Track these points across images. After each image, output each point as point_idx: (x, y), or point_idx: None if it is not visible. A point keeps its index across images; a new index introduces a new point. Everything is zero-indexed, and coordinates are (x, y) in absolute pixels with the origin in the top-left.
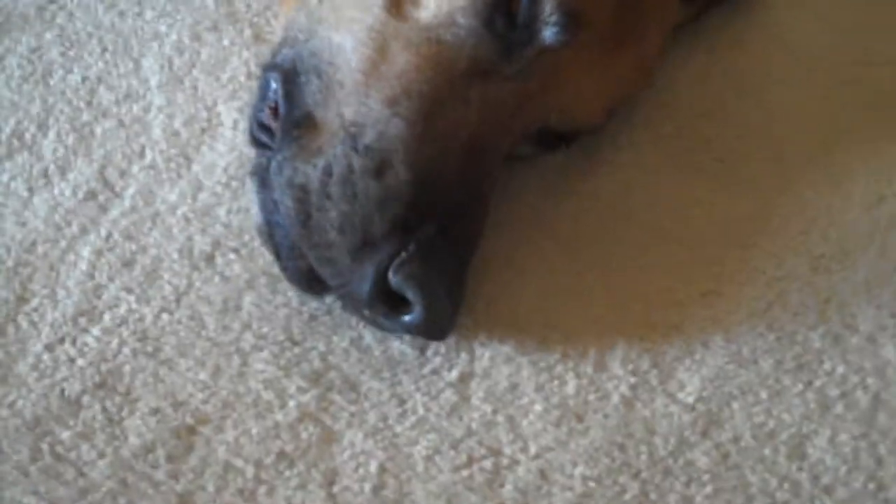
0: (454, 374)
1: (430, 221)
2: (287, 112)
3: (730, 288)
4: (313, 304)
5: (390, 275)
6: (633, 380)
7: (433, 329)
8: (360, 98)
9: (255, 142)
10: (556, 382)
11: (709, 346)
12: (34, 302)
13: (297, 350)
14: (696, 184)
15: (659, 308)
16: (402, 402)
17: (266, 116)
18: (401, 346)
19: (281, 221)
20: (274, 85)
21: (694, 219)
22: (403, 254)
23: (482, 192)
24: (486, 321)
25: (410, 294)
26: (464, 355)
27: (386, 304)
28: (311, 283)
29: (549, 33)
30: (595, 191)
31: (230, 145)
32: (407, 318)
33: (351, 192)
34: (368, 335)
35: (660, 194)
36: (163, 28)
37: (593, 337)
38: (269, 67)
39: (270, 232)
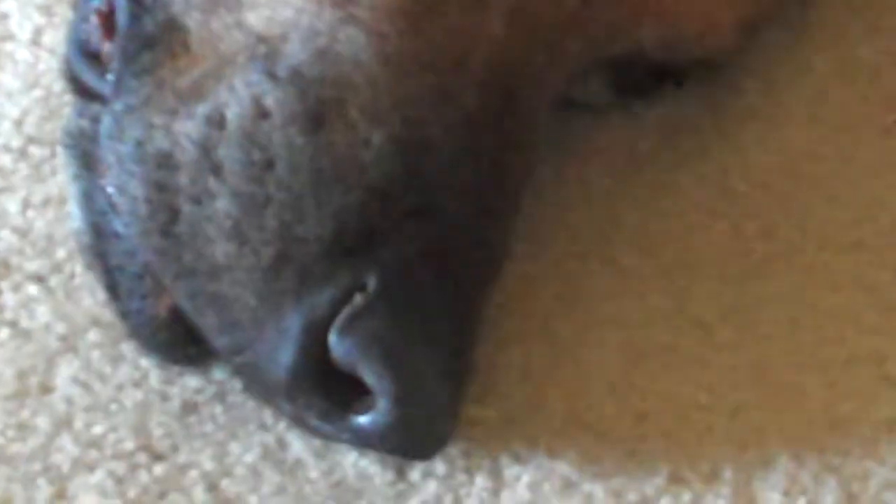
0: None
1: (412, 230)
2: (133, 19)
3: None
4: (190, 382)
5: (332, 336)
6: None
7: (411, 440)
8: None
9: (75, 84)
10: None
11: None
12: None
13: (160, 469)
14: None
15: (831, 391)
16: None
17: (93, 30)
18: (360, 461)
19: (121, 228)
20: None
21: None
22: (358, 295)
23: (510, 174)
24: (525, 415)
25: (370, 374)
26: (480, 480)
27: (323, 392)
28: (179, 343)
29: None
30: (724, 170)
31: (27, 78)
32: (363, 418)
33: (260, 159)
34: (297, 441)
35: (856, 173)
36: None
37: (721, 443)
38: None
39: (101, 248)
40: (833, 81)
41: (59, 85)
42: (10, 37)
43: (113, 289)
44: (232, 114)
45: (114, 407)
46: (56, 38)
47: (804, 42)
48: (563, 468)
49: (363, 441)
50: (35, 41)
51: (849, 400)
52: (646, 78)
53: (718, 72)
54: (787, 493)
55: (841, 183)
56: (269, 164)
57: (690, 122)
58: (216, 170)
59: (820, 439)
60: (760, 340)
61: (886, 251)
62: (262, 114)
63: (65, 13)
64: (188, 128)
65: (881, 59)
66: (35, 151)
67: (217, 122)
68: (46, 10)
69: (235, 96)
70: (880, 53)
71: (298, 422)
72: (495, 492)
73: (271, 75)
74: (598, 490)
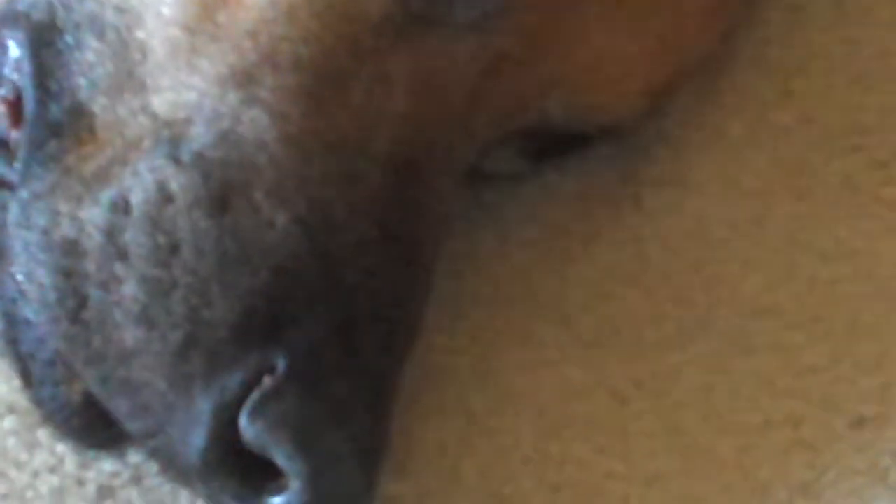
0: None
1: (321, 311)
2: (39, 106)
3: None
4: (105, 466)
5: (243, 419)
6: None
7: None
8: (181, 73)
9: None
10: None
11: None
12: None
13: None
14: (841, 213)
15: (747, 456)
16: None
17: (0, 118)
18: None
19: (31, 315)
20: (16, 53)
21: (840, 291)
22: (267, 378)
23: (420, 250)
24: (440, 491)
25: (281, 456)
26: None
27: (236, 474)
28: (93, 428)
29: None
30: (639, 239)
31: None
32: (277, 499)
33: (166, 243)
34: None
35: (769, 237)
36: None
37: None
38: (4, 20)
39: (13, 336)
40: (745, 146)
41: None
42: None
43: (26, 376)
44: (136, 199)
45: (30, 494)
46: None
47: (716, 107)
48: None
49: None
50: None
51: (765, 464)
52: (556, 146)
53: (630, 138)
54: None
55: (754, 247)
56: (175, 249)
57: (604, 190)
58: (122, 255)
59: None
60: (676, 408)
61: (800, 314)
62: (166, 198)
63: None
64: (93, 214)
65: (793, 122)
66: None
67: (122, 207)
68: None
69: (140, 181)
70: (792, 117)
71: (214, 503)
72: None
73: (175, 159)
74: None
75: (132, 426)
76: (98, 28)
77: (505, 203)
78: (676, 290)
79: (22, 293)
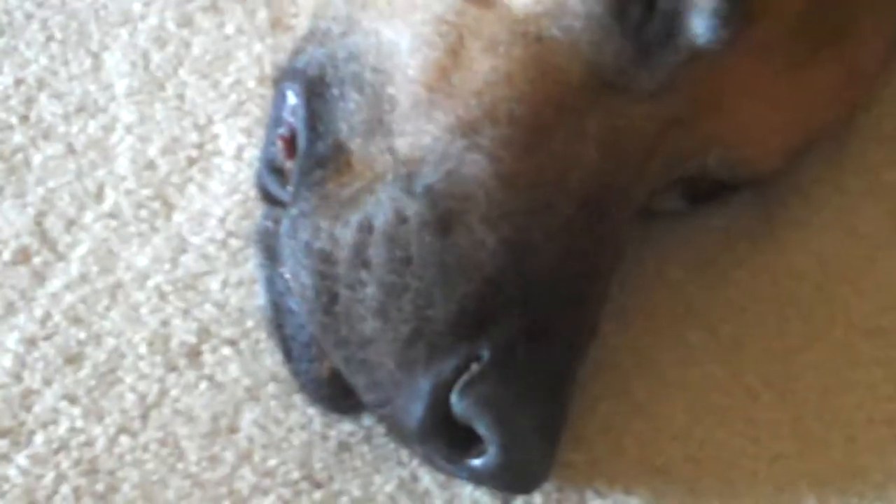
0: None
1: (519, 314)
2: (309, 143)
3: None
4: (345, 426)
5: (454, 397)
6: None
7: (514, 479)
8: (420, 122)
9: (263, 192)
10: None
11: None
12: None
13: (319, 495)
14: None
15: (853, 446)
16: None
17: (278, 151)
18: (475, 493)
19: (294, 306)
20: (293, 101)
21: None
22: (475, 365)
23: (600, 269)
24: (606, 460)
25: (482, 427)
26: None
27: (446, 439)
28: (336, 396)
29: (701, 28)
30: (772, 267)
31: (230, 185)
32: (477, 461)
33: (400, 256)
34: (427, 476)
35: (879, 272)
36: (136, 7)
37: (762, 486)
38: (286, 74)
39: (279, 321)
40: (863, 199)
41: (254, 192)
42: (218, 152)
43: (288, 353)
44: (378, 221)
45: (285, 445)
46: (254, 154)
47: (838, 166)
48: (634, 503)
49: (477, 479)
50: (238, 156)
51: (866, 453)
52: (706, 190)
53: (769, 187)
54: None
55: (867, 280)
56: (407, 260)
57: (746, 229)
58: (366, 264)
59: (842, 485)
60: (797, 403)
61: None
62: (401, 221)
63: (262, 135)
64: (345, 231)
65: None
66: (233, 242)
67: (367, 227)
68: (248, 132)
69: (381, 207)
70: None
71: (428, 461)
72: None
73: (409, 191)
74: None
75: (367, 397)
76: (358, 84)
77: (665, 234)
78: (801, 310)
79: (288, 289)
